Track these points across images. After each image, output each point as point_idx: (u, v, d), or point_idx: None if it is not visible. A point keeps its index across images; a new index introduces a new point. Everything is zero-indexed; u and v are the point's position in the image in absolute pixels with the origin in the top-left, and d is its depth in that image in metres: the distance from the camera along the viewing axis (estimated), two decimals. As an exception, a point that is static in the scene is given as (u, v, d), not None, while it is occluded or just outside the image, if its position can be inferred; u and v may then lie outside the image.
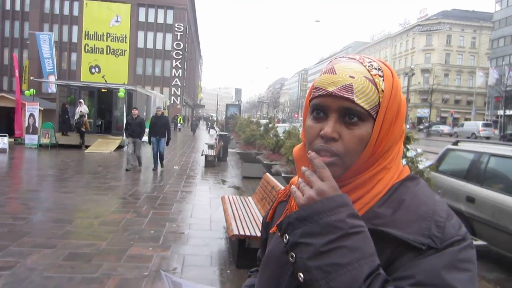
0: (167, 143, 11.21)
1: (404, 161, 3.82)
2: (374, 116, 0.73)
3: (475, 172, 5.18)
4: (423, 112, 55.06)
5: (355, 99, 0.71)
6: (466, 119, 50.14)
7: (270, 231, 0.93)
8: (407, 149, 3.90)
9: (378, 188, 0.75)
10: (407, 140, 3.89)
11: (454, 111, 55.79)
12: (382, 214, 0.72)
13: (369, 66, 0.75)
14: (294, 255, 0.65)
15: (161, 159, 11.20)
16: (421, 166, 3.94)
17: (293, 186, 0.73)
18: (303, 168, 0.72)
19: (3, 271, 3.76)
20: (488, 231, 4.52)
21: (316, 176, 0.69)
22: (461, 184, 5.21)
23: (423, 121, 51.08)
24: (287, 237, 0.67)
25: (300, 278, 0.64)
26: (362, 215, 0.71)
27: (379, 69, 0.75)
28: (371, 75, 0.73)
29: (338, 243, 0.63)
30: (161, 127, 10.91)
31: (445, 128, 42.72)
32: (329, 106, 0.73)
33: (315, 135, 0.75)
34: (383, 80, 0.74)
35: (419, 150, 4.21)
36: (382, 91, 0.73)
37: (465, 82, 60.49)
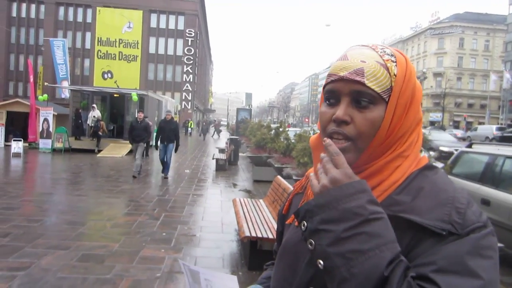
0: (176, 150, 10.39)
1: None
2: (386, 100, 0.73)
3: (490, 175, 5.10)
4: (435, 116, 54.44)
5: (366, 82, 0.71)
6: (480, 123, 49.34)
7: (286, 222, 0.92)
8: (420, 150, 3.85)
9: (396, 175, 0.75)
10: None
11: (468, 115, 55.02)
12: (401, 201, 0.71)
13: (381, 52, 0.76)
14: (313, 242, 0.65)
15: (167, 168, 10.37)
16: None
17: (311, 174, 0.73)
18: (322, 155, 0.72)
19: (18, 272, 3.82)
20: (504, 234, 4.43)
21: (331, 164, 0.69)
22: (476, 187, 5.13)
23: (435, 124, 50.44)
24: (306, 224, 0.67)
25: (319, 265, 0.64)
26: (380, 202, 0.70)
27: (391, 55, 0.76)
28: (383, 60, 0.74)
29: (359, 229, 0.62)
30: (169, 132, 10.14)
31: (458, 132, 42.08)
32: (341, 90, 0.74)
33: (328, 120, 0.76)
34: (395, 65, 0.75)
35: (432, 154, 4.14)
36: (395, 75, 0.74)
37: (478, 86, 59.66)
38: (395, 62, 0.75)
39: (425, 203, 0.69)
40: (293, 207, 0.94)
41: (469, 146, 6.26)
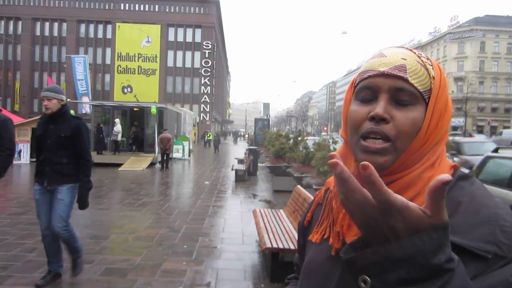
0: (82, 204, 3.94)
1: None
2: (426, 101, 0.68)
3: (519, 181, 4.92)
4: (458, 121, 53.30)
5: (409, 78, 0.67)
6: (505, 127, 48.03)
7: (309, 238, 0.85)
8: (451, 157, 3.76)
9: None
10: (446, 147, 3.75)
11: (492, 119, 53.64)
12: None
13: (418, 53, 0.72)
14: None
15: (72, 254, 4.01)
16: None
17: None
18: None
19: (43, 287, 3.86)
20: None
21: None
22: (504, 193, 4.96)
23: (457, 130, 49.31)
24: (369, 280, 0.50)
25: None
26: None
27: (427, 59, 0.72)
28: (422, 61, 0.70)
29: None
30: (52, 153, 3.80)
31: (482, 137, 41.03)
32: (380, 86, 0.68)
33: (362, 118, 0.69)
34: (432, 68, 0.71)
35: (456, 159, 4.04)
36: (433, 77, 0.70)
37: (502, 89, 58.18)
38: (431, 65, 0.71)
39: (465, 220, 0.61)
40: (315, 218, 0.88)
41: (495, 151, 6.08)
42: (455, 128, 52.83)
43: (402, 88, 0.67)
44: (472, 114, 51.91)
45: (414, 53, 0.72)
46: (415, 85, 0.67)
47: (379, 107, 0.66)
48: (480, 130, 52.72)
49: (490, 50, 58.39)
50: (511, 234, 0.58)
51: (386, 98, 0.67)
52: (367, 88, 0.70)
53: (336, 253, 0.73)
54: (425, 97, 0.68)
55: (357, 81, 0.74)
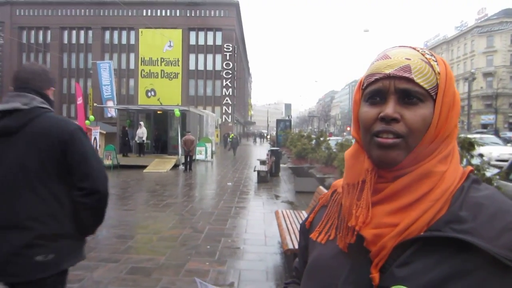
0: None
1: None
2: (434, 97, 0.70)
3: (551, 179, 4.73)
4: (487, 118, 51.52)
5: (415, 78, 0.68)
6: (538, 124, 46.14)
7: (310, 236, 0.86)
8: (472, 156, 3.66)
9: (446, 183, 0.68)
10: (471, 146, 3.65)
11: (524, 116, 51.59)
12: (463, 219, 0.63)
13: (422, 51, 0.73)
14: None
15: None
16: (488, 174, 3.67)
17: None
18: None
19: (73, 284, 3.99)
20: None
21: None
22: (535, 193, 4.78)
23: (487, 128, 47.63)
24: None
25: None
26: (441, 217, 0.65)
27: (431, 55, 0.74)
28: (426, 58, 0.71)
29: None
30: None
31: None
32: (387, 88, 0.70)
33: (373, 119, 0.71)
34: (437, 64, 0.72)
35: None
36: (439, 73, 0.71)
37: (534, 84, 55.91)
38: (436, 61, 0.72)
39: (489, 225, 0.62)
40: (316, 220, 0.89)
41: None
42: (484, 126, 51.17)
43: (409, 88, 0.68)
44: (503, 111, 50.06)
45: (418, 51, 0.73)
46: (421, 83, 0.68)
47: (389, 108, 0.68)
48: (511, 128, 50.84)
49: (521, 43, 56.16)
50: None
51: (395, 99, 0.69)
52: (375, 91, 0.72)
53: (347, 249, 0.74)
54: (432, 93, 0.69)
55: (364, 84, 0.75)
